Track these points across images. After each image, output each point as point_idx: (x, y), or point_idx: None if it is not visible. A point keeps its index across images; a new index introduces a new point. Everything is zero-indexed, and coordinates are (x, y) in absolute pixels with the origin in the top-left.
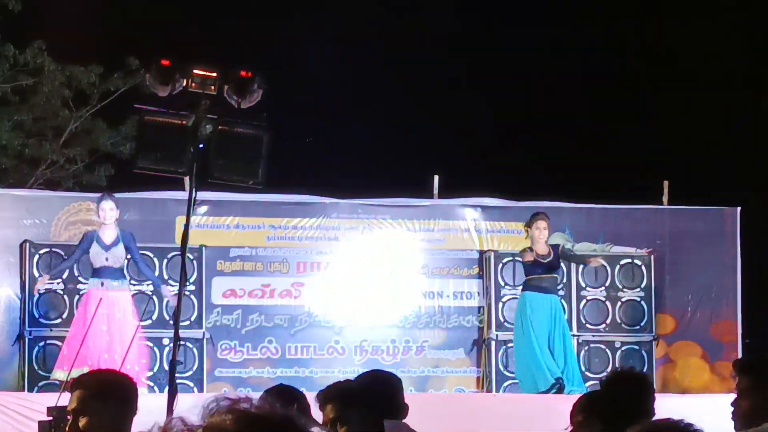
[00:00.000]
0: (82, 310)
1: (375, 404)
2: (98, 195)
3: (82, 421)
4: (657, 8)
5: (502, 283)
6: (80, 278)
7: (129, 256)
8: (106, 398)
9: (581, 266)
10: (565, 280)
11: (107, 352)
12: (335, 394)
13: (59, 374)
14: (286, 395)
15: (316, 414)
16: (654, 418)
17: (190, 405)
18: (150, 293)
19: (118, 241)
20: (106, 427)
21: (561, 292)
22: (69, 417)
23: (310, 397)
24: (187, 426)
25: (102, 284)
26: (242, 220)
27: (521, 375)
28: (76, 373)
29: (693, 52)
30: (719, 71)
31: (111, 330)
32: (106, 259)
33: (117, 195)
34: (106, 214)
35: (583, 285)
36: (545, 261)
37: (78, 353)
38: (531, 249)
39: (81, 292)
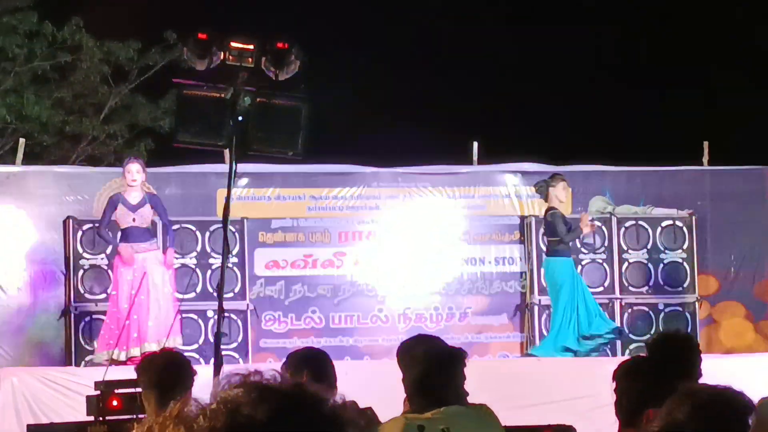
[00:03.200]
0: (115, 279)
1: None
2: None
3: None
4: None
5: (544, 248)
6: None
7: (157, 219)
8: (162, 378)
9: (622, 228)
10: (606, 243)
11: (144, 321)
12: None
13: (103, 356)
14: (306, 360)
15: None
16: (700, 380)
17: None
18: (193, 266)
19: (145, 202)
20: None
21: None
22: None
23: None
24: (201, 405)
25: (132, 248)
26: (283, 191)
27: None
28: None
29: (731, 11)
30: (756, 29)
31: (147, 297)
32: (133, 220)
33: (158, 169)
34: (133, 176)
35: (625, 248)
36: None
37: (121, 332)
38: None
39: None
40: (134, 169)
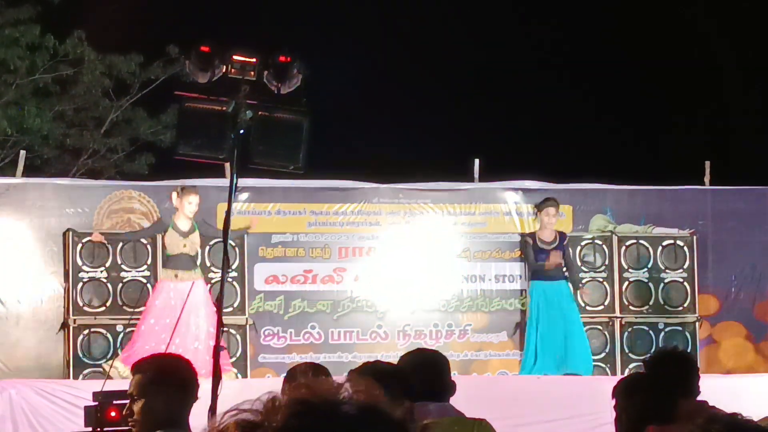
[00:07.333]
0: (153, 303)
1: (410, 386)
2: (179, 186)
3: (138, 405)
4: None
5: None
6: (123, 266)
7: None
8: (163, 383)
9: (623, 247)
10: (607, 262)
11: (186, 343)
12: (367, 373)
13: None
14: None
15: None
16: (699, 398)
17: (235, 391)
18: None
19: (194, 230)
20: (162, 412)
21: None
22: (129, 401)
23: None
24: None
25: (176, 276)
26: (283, 206)
27: (526, 360)
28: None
29: (732, 31)
30: (759, 49)
31: (187, 321)
32: (184, 246)
33: (157, 183)
34: (193, 208)
35: (626, 266)
36: (549, 248)
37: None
38: (532, 235)
39: (124, 281)
40: (195, 201)
